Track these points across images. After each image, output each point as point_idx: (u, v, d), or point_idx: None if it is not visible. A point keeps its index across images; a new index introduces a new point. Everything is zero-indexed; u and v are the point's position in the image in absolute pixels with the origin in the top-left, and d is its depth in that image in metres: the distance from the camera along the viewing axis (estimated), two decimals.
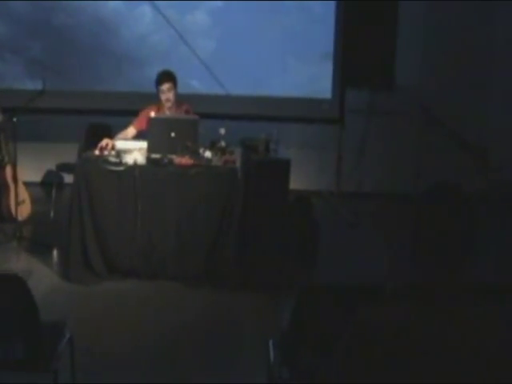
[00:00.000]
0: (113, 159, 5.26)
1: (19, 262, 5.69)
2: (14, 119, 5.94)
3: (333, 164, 8.35)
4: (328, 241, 6.20)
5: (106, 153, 5.46)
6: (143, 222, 5.15)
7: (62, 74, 7.58)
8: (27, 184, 7.07)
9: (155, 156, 5.26)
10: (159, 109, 5.83)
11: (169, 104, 5.75)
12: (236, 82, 7.87)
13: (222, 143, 5.52)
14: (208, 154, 5.38)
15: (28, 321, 2.60)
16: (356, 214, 7.46)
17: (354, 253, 6.29)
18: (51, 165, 7.83)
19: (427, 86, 7.98)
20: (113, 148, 5.54)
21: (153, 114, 5.41)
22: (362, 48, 7.69)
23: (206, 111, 6.59)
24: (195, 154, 5.29)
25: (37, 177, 8.04)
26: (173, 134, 5.28)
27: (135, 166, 5.12)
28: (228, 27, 7.80)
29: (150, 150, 5.30)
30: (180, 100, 5.90)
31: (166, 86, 5.71)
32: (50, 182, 7.67)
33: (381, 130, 8.28)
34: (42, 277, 5.37)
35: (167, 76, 5.76)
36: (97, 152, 5.45)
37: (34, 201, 7.01)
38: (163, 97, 5.73)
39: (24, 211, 6.71)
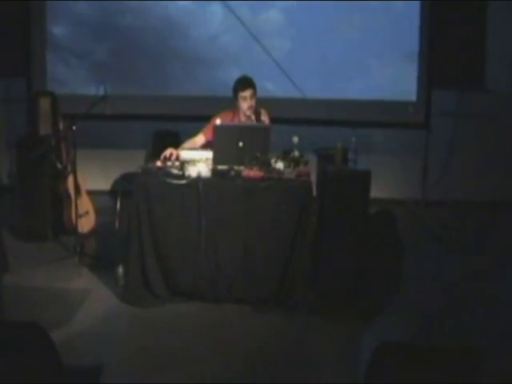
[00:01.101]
0: (175, 171, 4.82)
1: (78, 280, 5.32)
2: (74, 127, 5.57)
3: (418, 171, 7.78)
4: (413, 259, 5.59)
5: (169, 164, 5.03)
6: (208, 240, 4.70)
7: (129, 79, 7.20)
8: (94, 193, 6.78)
9: (221, 168, 4.78)
10: (235, 116, 5.39)
11: (249, 112, 5.30)
12: (313, 85, 7.32)
13: (296, 153, 5.00)
14: (280, 165, 4.86)
15: (47, 375, 2.13)
16: (445, 226, 6.78)
17: (443, 274, 5.64)
18: (119, 172, 7.51)
19: None
20: (177, 158, 5.10)
21: (218, 122, 4.90)
22: (448, 46, 7.18)
23: (281, 115, 6.09)
24: (265, 165, 4.79)
25: (105, 185, 7.70)
26: (241, 144, 4.80)
27: (199, 178, 4.66)
28: (303, 26, 7.24)
29: (215, 161, 4.83)
30: (257, 107, 5.44)
31: (248, 93, 5.27)
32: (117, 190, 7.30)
33: (470, 133, 7.70)
34: (100, 297, 5.00)
35: (249, 82, 5.32)
36: (159, 163, 5.01)
37: (100, 211, 6.70)
38: (245, 104, 5.28)
39: (87, 223, 6.38)
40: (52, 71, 7.26)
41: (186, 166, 4.80)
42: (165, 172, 4.80)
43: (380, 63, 7.34)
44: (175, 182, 4.64)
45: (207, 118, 5.49)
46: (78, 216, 6.13)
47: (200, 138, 5.41)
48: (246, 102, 5.29)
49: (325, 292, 4.83)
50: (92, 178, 6.85)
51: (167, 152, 5.19)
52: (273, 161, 4.93)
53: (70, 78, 7.26)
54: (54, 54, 7.29)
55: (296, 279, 4.71)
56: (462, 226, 6.99)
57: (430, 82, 7.31)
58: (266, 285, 4.75)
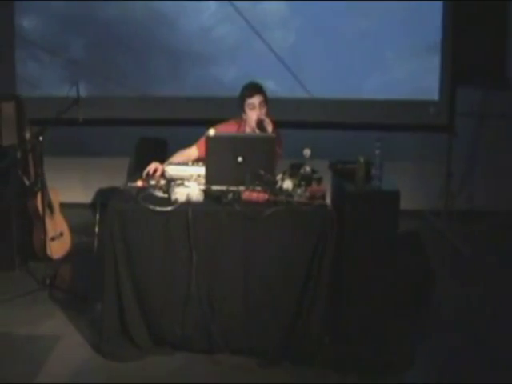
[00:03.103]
0: (159, 194, 3.90)
1: (47, 323, 4.40)
2: (40, 138, 4.66)
3: (439, 177, 6.87)
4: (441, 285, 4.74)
5: (152, 183, 4.11)
6: (199, 279, 3.80)
7: (109, 77, 6.27)
8: (72, 206, 5.94)
9: (216, 189, 3.87)
10: (240, 128, 4.56)
11: (256, 120, 4.48)
12: (321, 83, 6.44)
13: (307, 168, 4.08)
14: (288, 184, 3.97)
15: None
16: (470, 240, 6.02)
17: (478, 305, 4.75)
18: (100, 183, 6.63)
19: None
20: (163, 175, 4.19)
21: (212, 133, 3.97)
22: (474, 40, 6.32)
23: (284, 118, 5.17)
24: (271, 185, 3.87)
25: (84, 197, 6.80)
26: (240, 159, 3.88)
27: (188, 203, 3.73)
28: (310, 17, 6.37)
29: (208, 180, 3.94)
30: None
31: (257, 100, 4.46)
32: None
33: (495, 135, 6.95)
34: (72, 345, 4.12)
35: (258, 87, 4.50)
36: (140, 182, 4.09)
37: (78, 229, 5.84)
38: (253, 114, 4.47)
39: (61, 247, 5.53)
40: (21, 70, 6.31)
41: (173, 187, 3.88)
42: (146, 195, 3.88)
43: (397, 57, 6.47)
44: (158, 209, 3.72)
45: (199, 123, 4.64)
46: (51, 239, 5.30)
47: (193, 152, 4.54)
48: (254, 111, 4.46)
49: (344, 340, 3.92)
50: (70, 190, 6.15)
51: (150, 167, 4.34)
52: (278, 177, 4.02)
53: (42, 78, 6.32)
54: (22, 50, 6.32)
55: (309, 327, 3.83)
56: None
57: (454, 79, 6.40)
58: (271, 333, 3.87)
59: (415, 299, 4.49)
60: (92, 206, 6.84)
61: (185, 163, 4.36)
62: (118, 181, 5.43)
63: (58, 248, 5.42)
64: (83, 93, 4.98)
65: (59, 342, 4.12)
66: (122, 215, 3.80)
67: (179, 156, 4.54)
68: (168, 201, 3.81)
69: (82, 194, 6.75)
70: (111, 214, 3.80)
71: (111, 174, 6.12)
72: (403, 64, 6.47)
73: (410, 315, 4.35)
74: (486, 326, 4.42)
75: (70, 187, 6.34)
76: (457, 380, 3.77)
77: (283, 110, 5.80)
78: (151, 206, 3.74)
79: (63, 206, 5.67)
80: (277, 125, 4.51)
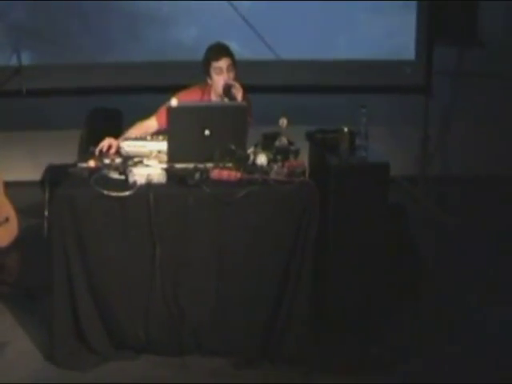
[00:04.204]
0: (115, 175, 3.35)
1: None
2: None
3: (413, 141, 6.36)
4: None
5: (106, 162, 3.56)
6: (164, 274, 3.28)
7: (56, 43, 5.58)
8: (20, 185, 5.34)
9: (180, 167, 3.33)
10: (204, 95, 4.03)
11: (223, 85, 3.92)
12: (288, 43, 5.85)
13: (283, 140, 3.56)
14: (262, 158, 3.46)
15: None
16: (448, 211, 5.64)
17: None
18: (50, 159, 6.00)
19: None
20: (118, 152, 3.63)
21: (174, 103, 3.41)
22: None
23: (251, 82, 4.63)
24: (243, 161, 3.35)
25: (33, 174, 6.16)
26: (207, 132, 3.35)
27: (149, 186, 3.18)
28: None
29: (171, 158, 3.38)
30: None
31: (225, 63, 3.91)
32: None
33: (471, 96, 6.52)
34: (18, 354, 3.57)
35: (225, 49, 3.95)
36: (92, 162, 3.53)
37: (27, 211, 5.22)
38: (220, 79, 3.92)
39: (7, 234, 4.87)
40: None
41: (130, 166, 3.34)
42: (100, 177, 3.33)
43: (370, 15, 5.92)
44: (114, 193, 3.17)
45: (158, 90, 4.08)
46: None
47: (152, 123, 3.99)
48: (221, 76, 3.92)
49: (329, 337, 3.46)
50: (15, 167, 5.64)
51: (104, 144, 3.79)
52: (250, 151, 3.51)
53: None
54: None
55: (291, 322, 3.35)
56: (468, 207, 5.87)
57: (430, 37, 5.92)
58: (248, 331, 3.39)
59: (408, 288, 4.04)
60: (41, 183, 6.19)
61: (143, 138, 3.81)
62: (68, 156, 4.84)
63: (2, 235, 4.80)
64: (27, 61, 4.37)
65: (4, 349, 3.58)
66: (72, 202, 3.25)
67: (136, 129, 4.00)
68: (125, 184, 3.26)
69: (30, 171, 6.11)
70: (59, 201, 3.26)
71: (61, 149, 5.51)
72: (376, 23, 5.95)
73: (403, 306, 3.89)
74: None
75: (15, 164, 5.74)
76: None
77: (249, 73, 5.21)
78: (105, 191, 3.19)
79: (8, 185, 5.05)
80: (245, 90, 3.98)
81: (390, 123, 6.46)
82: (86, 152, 3.91)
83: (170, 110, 3.36)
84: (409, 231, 4.12)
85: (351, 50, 5.92)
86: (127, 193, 3.19)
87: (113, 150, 3.75)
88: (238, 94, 3.85)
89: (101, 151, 3.75)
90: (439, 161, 6.62)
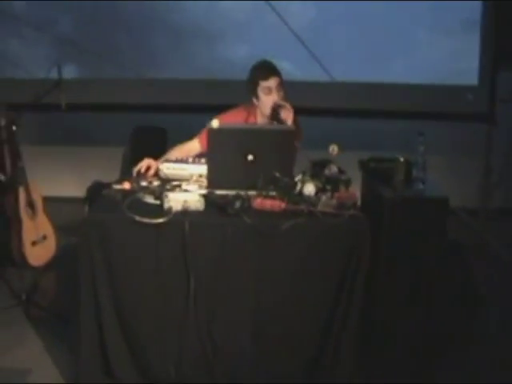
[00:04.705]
0: (150, 200, 3.12)
1: (17, 352, 3.66)
2: (14, 127, 3.91)
3: (474, 172, 6.09)
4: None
5: (143, 184, 3.33)
6: (198, 308, 3.04)
7: (102, 57, 5.44)
8: (65, 200, 5.17)
9: (220, 194, 3.08)
10: (250, 116, 3.79)
11: (271, 106, 3.67)
12: (343, 64, 5.64)
13: (333, 168, 3.29)
14: (310, 188, 3.17)
15: None
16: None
17: None
18: (95, 174, 5.85)
19: None
20: (156, 175, 3.41)
21: (215, 124, 3.17)
22: None
23: (301, 105, 4.39)
24: (289, 190, 3.07)
25: (77, 190, 6.03)
26: (250, 157, 3.10)
27: (185, 213, 2.95)
28: None
29: (211, 184, 3.14)
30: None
31: (274, 83, 3.65)
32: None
33: None
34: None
35: (273, 67, 3.69)
36: (127, 184, 3.31)
37: (68, 228, 5.03)
38: (269, 99, 3.67)
39: (44, 252, 4.77)
40: (2, 48, 5.53)
41: (166, 192, 3.10)
42: (133, 201, 3.11)
43: (430, 37, 5.67)
44: (147, 220, 2.93)
45: (204, 109, 3.84)
46: (31, 243, 4.55)
47: (194, 146, 3.78)
48: (270, 96, 3.67)
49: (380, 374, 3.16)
50: (59, 182, 5.62)
51: (142, 165, 3.58)
52: (297, 180, 3.24)
53: (25, 57, 5.51)
54: (4, 25, 5.51)
55: (336, 366, 3.07)
56: None
57: (494, 62, 5.58)
58: (286, 374, 3.12)
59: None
60: (85, 200, 6.05)
61: (184, 160, 3.57)
62: (113, 173, 4.68)
63: (39, 254, 4.66)
64: (72, 74, 4.21)
65: (29, 376, 3.38)
66: (103, 228, 3.03)
67: (178, 150, 3.79)
68: (160, 209, 3.02)
69: (74, 187, 5.99)
70: (88, 225, 3.03)
71: (106, 165, 5.33)
72: (436, 44, 5.65)
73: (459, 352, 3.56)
74: None
75: (57, 179, 5.60)
76: None
77: (300, 94, 4.96)
78: (138, 217, 2.95)
79: (50, 200, 4.90)
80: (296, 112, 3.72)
81: (450, 153, 6.14)
82: (128, 171, 3.71)
83: (210, 131, 3.12)
84: (468, 270, 3.79)
85: (409, 72, 5.64)
86: (161, 220, 2.94)
87: (151, 172, 3.55)
88: (289, 115, 3.60)
89: (139, 172, 3.54)
90: (502, 193, 6.23)
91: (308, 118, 4.64)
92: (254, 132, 3.28)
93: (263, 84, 3.65)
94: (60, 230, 4.89)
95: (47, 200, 4.81)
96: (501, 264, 5.02)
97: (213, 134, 3.15)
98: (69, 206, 5.41)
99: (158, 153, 3.85)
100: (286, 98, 3.71)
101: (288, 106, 3.64)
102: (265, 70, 3.67)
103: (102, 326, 3.10)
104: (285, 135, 3.21)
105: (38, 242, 4.70)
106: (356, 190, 3.44)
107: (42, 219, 4.78)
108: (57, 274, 4.73)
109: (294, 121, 3.62)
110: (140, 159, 3.68)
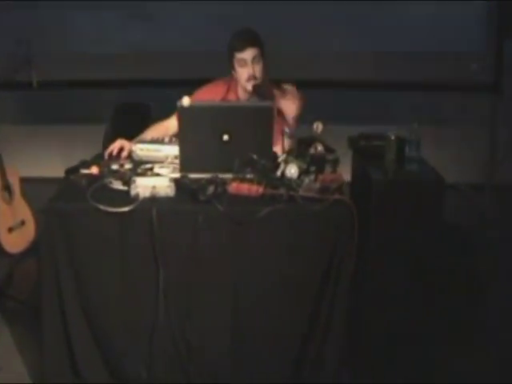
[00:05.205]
0: (117, 186, 2.85)
1: None
2: None
3: (479, 146, 5.75)
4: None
5: (113, 168, 3.06)
6: (170, 304, 2.78)
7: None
8: (45, 181, 4.90)
9: (193, 178, 2.79)
10: (230, 90, 3.49)
11: (252, 83, 3.35)
12: (341, 35, 5.24)
13: (319, 147, 3.00)
14: (292, 170, 2.88)
15: None
16: None
17: None
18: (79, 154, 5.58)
19: None
20: (129, 157, 3.18)
21: (185, 102, 2.88)
22: None
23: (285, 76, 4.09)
24: (267, 172, 2.79)
25: (59, 171, 5.77)
26: (225, 137, 2.81)
27: (153, 201, 2.67)
28: None
29: (183, 166, 2.86)
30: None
31: (249, 54, 3.33)
32: None
33: None
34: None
35: (252, 37, 3.37)
36: (94, 169, 3.04)
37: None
38: (243, 72, 3.36)
39: (22, 239, 4.53)
40: None
41: (135, 177, 2.83)
42: (99, 188, 2.84)
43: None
44: (111, 209, 2.67)
45: (195, 83, 3.54)
46: (8, 230, 4.32)
47: (172, 124, 3.47)
48: (245, 68, 3.37)
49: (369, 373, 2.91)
50: (39, 163, 5.39)
51: (114, 146, 3.31)
52: (281, 159, 2.96)
53: None
54: None
55: (321, 361, 2.80)
56: None
57: (500, 30, 5.24)
58: (268, 374, 2.86)
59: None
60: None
61: (159, 140, 3.30)
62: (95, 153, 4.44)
63: (16, 241, 4.43)
64: (39, 49, 3.87)
65: None
66: (65, 217, 2.77)
67: (154, 130, 3.51)
68: (128, 196, 2.76)
69: (53, 167, 5.71)
70: (48, 216, 2.77)
71: (86, 144, 5.07)
72: (437, 5, 5.25)
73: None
74: None
75: (37, 160, 5.32)
76: None
77: (293, 65, 4.73)
78: (102, 206, 2.69)
79: (29, 181, 4.64)
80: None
81: (453, 125, 5.81)
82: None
83: (181, 110, 2.84)
84: (468, 257, 3.52)
85: (407, 39, 5.26)
86: (126, 208, 2.68)
87: (124, 154, 3.28)
88: (290, 106, 3.27)
89: (111, 154, 3.27)
90: (509, 168, 5.92)
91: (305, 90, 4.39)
92: (229, 110, 2.98)
93: (238, 55, 3.35)
94: (41, 213, 4.62)
95: (26, 182, 4.55)
96: (503, 246, 4.73)
97: (184, 113, 2.86)
98: (50, 188, 5.13)
99: (142, 131, 3.58)
100: (266, 70, 3.40)
101: (289, 88, 3.29)
102: (241, 40, 3.36)
103: (68, 322, 2.85)
104: (263, 112, 2.92)
105: (16, 227, 4.46)
106: (345, 171, 3.16)
107: (20, 203, 4.54)
108: (35, 261, 4.46)
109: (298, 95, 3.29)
110: (122, 138, 3.42)
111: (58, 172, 4.74)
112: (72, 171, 3.15)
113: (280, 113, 3.23)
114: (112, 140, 3.48)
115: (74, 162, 4.42)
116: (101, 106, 5.15)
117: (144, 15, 5.04)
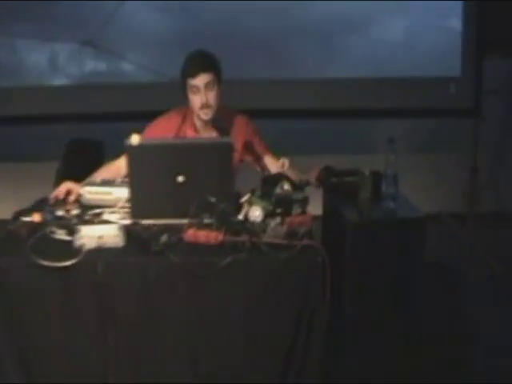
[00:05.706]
0: (61, 236, 2.54)
1: None
2: None
3: (460, 173, 5.43)
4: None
5: (59, 214, 2.75)
6: (120, 369, 2.45)
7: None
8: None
9: (145, 226, 2.49)
10: (186, 120, 3.22)
11: (207, 113, 3.09)
12: (304, 60, 4.96)
13: (285, 186, 2.71)
14: (256, 213, 2.59)
15: None
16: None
17: None
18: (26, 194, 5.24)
19: None
20: (77, 201, 2.86)
21: (134, 140, 2.59)
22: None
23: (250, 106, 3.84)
24: (228, 217, 2.51)
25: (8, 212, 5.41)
26: (180, 179, 2.51)
27: (99, 253, 2.37)
28: None
29: (134, 213, 2.56)
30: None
31: (201, 81, 3.03)
32: None
33: None
34: None
35: (204, 61, 3.08)
36: (36, 216, 2.72)
37: None
38: (197, 99, 3.08)
39: None
40: None
41: (80, 225, 2.52)
42: (40, 238, 2.52)
43: (403, 21, 5.01)
44: (51, 264, 2.35)
45: (147, 116, 3.26)
46: None
47: (124, 163, 3.14)
48: (197, 96, 3.08)
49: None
50: None
51: (60, 190, 3.00)
52: (244, 200, 2.67)
53: None
54: None
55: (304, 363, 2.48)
56: None
57: (479, 51, 5.02)
58: None
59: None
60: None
61: (110, 182, 2.99)
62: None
63: None
64: None
65: None
66: (1, 273, 2.44)
67: (105, 170, 3.21)
68: (68, 250, 2.44)
69: (4, 208, 5.38)
70: None
71: (37, 183, 4.75)
72: (410, 30, 5.06)
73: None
74: None
75: None
76: None
77: (244, 95, 4.47)
78: (41, 260, 2.37)
79: None
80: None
81: (432, 151, 5.57)
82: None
83: (129, 150, 2.54)
84: (454, 298, 3.23)
85: (382, 65, 5.03)
86: (68, 262, 2.36)
87: (72, 198, 2.97)
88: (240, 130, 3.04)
89: (56, 198, 2.96)
90: (491, 195, 5.68)
91: (268, 120, 4.14)
92: (184, 147, 2.68)
93: (190, 82, 3.07)
94: None
95: None
96: (493, 280, 4.44)
97: (133, 152, 2.57)
98: None
99: (95, 170, 3.29)
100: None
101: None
102: (193, 65, 3.07)
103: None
104: (222, 149, 2.63)
105: None
106: (316, 212, 2.87)
107: None
108: None
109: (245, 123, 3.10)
110: (74, 176, 3.11)
111: (7, 213, 4.41)
112: (17, 217, 2.84)
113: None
114: (63, 180, 3.17)
115: (24, 202, 4.10)
116: (51, 142, 4.83)
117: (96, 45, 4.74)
